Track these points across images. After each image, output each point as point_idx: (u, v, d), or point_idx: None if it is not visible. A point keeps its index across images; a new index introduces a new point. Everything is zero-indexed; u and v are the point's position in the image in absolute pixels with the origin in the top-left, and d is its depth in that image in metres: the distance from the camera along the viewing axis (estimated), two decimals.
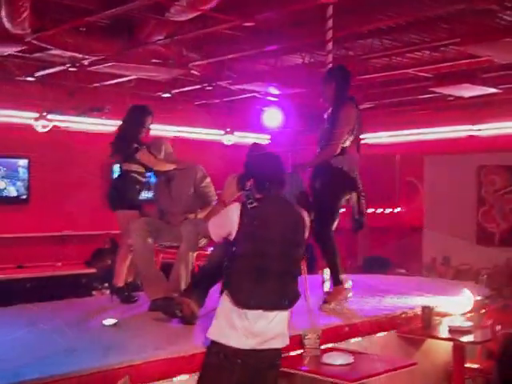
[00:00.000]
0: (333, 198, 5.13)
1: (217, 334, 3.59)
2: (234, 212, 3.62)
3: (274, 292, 3.58)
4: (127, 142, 5.37)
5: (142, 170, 5.41)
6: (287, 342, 3.71)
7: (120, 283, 5.35)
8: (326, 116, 5.33)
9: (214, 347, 3.60)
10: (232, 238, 3.63)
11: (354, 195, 5.19)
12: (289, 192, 4.76)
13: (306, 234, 3.81)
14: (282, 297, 3.62)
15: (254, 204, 3.62)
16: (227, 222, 3.64)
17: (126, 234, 5.30)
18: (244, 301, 3.54)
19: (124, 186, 5.41)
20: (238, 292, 3.56)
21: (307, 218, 3.81)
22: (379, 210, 12.75)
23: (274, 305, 3.59)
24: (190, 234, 5.00)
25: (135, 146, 5.33)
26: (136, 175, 5.40)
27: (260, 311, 3.54)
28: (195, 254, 5.09)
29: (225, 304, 3.59)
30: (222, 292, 3.64)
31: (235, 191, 3.94)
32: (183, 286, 4.90)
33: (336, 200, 5.14)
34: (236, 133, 12.92)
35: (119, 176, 5.58)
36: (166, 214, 5.41)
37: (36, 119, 10.43)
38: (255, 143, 5.57)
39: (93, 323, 4.59)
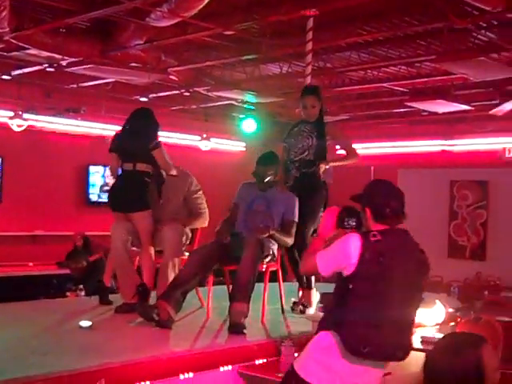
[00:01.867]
0: (319, 210, 5.18)
1: (311, 375, 3.14)
2: (353, 244, 3.09)
3: (391, 342, 3.14)
4: (149, 139, 5.20)
5: (150, 170, 5.27)
6: None
7: (108, 283, 5.33)
8: (303, 129, 5.36)
9: (296, 380, 3.17)
10: (347, 273, 3.11)
11: None
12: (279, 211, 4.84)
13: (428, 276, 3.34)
14: (399, 347, 3.19)
15: (378, 237, 3.10)
16: (344, 254, 3.10)
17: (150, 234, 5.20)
18: (357, 346, 3.08)
19: (139, 186, 5.21)
20: (351, 335, 3.09)
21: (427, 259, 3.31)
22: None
23: (388, 356, 3.18)
24: (173, 240, 5.02)
25: (156, 141, 5.21)
26: (146, 177, 5.25)
27: (381, 364, 3.18)
28: (180, 259, 5.12)
29: (327, 342, 3.14)
30: (323, 327, 3.20)
31: (333, 227, 3.35)
32: None
33: (320, 212, 5.16)
34: (212, 139, 12.96)
35: (129, 177, 5.26)
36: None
37: (11, 118, 10.34)
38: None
39: (69, 325, 4.57)
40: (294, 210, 4.99)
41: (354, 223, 3.28)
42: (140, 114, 5.39)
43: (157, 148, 5.18)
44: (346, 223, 3.29)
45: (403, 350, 3.22)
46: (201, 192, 5.43)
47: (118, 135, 5.40)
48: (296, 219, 5.01)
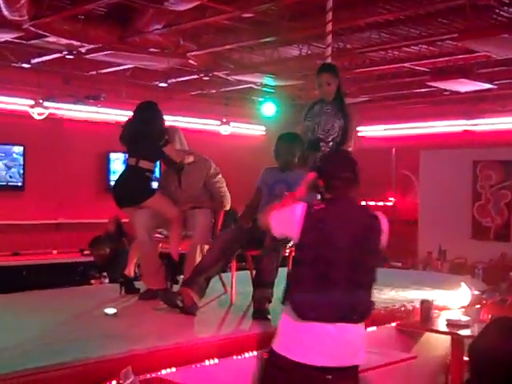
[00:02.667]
0: None
1: (281, 347, 3.31)
2: (297, 213, 3.27)
3: (341, 304, 3.25)
4: (155, 137, 5.18)
5: (152, 168, 5.25)
6: (362, 359, 3.39)
7: (131, 274, 5.34)
8: (326, 109, 5.26)
9: (276, 358, 3.34)
10: (295, 242, 3.33)
11: None
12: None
13: (384, 240, 3.42)
14: (351, 309, 3.28)
15: (321, 206, 3.31)
16: (289, 222, 3.30)
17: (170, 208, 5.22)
18: (303, 312, 3.24)
19: (140, 180, 5.17)
20: (298, 303, 3.27)
21: (385, 222, 3.42)
22: (374, 203, 12.78)
23: (341, 318, 3.25)
24: (204, 225, 5.04)
25: (166, 138, 5.19)
26: (147, 172, 5.22)
27: (337, 326, 3.25)
28: (208, 245, 5.12)
29: (288, 315, 3.31)
30: (283, 301, 3.38)
31: (309, 190, 3.56)
32: None
33: None
34: (232, 123, 12.93)
35: (131, 172, 5.24)
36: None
37: (32, 106, 10.39)
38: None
39: (94, 312, 4.59)
40: None
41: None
42: (146, 107, 5.35)
43: (167, 145, 5.18)
44: (317, 188, 3.48)
45: (358, 312, 3.31)
46: (220, 176, 5.41)
47: (126, 125, 5.39)
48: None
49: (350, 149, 5.03)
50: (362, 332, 3.39)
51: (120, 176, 5.44)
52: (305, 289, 3.28)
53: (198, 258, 5.00)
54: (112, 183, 11.42)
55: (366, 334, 3.47)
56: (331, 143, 5.06)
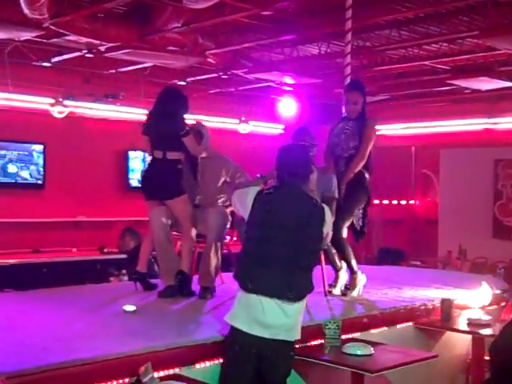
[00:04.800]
0: (357, 207, 5.36)
1: (232, 317, 3.66)
2: (250, 195, 3.72)
3: (278, 280, 3.57)
4: (179, 124, 5.11)
5: (180, 157, 5.16)
6: (297, 336, 3.70)
7: (144, 269, 5.32)
8: (346, 128, 5.37)
9: (231, 337, 3.67)
10: (246, 220, 3.72)
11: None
12: (319, 191, 4.83)
13: (326, 229, 3.76)
14: (288, 287, 3.58)
15: (270, 191, 3.73)
16: (243, 203, 3.75)
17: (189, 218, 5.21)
18: (243, 283, 3.60)
19: (173, 173, 5.09)
20: (239, 274, 3.66)
21: (328, 214, 3.79)
22: (394, 202, 12.72)
23: (277, 294, 3.56)
24: (217, 223, 5.03)
25: (186, 129, 5.12)
26: (178, 164, 5.12)
27: (274, 301, 3.55)
28: (222, 243, 5.12)
29: (238, 288, 3.68)
30: (234, 275, 3.72)
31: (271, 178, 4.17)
32: (213, 275, 4.99)
33: (357, 209, 5.38)
34: (251, 122, 12.92)
35: (161, 165, 5.13)
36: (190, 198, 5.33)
37: (52, 105, 10.45)
38: (301, 128, 5.40)
39: (113, 309, 4.60)
40: (331, 187, 5.13)
41: None
42: (170, 94, 5.28)
43: (187, 135, 5.11)
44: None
45: (294, 291, 3.60)
46: (240, 169, 5.39)
47: (149, 117, 5.32)
48: (336, 195, 5.16)
49: (360, 164, 5.28)
50: (298, 310, 3.65)
51: (148, 169, 5.36)
52: (248, 263, 3.65)
53: (213, 257, 5.00)
54: (132, 181, 11.52)
55: (302, 312, 3.73)
56: (346, 160, 5.34)
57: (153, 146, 5.17)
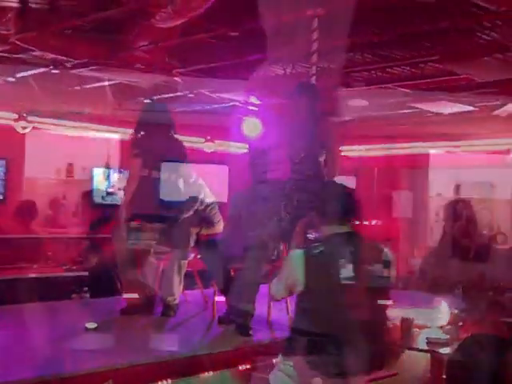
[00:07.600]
0: None
1: None
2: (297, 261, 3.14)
3: None
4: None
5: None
6: None
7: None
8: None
9: None
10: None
11: None
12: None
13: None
14: None
15: (321, 249, 3.14)
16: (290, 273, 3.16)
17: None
18: None
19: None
20: None
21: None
22: (355, 222, 12.80)
23: None
24: (181, 242, 5.04)
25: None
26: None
27: None
28: (186, 262, 5.13)
29: None
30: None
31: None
32: (176, 292, 4.99)
33: None
34: (216, 141, 12.96)
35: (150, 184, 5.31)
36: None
37: (16, 120, 10.35)
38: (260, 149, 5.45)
39: (75, 326, 4.57)
40: None
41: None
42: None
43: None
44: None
45: None
46: (214, 204, 5.43)
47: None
48: None
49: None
50: None
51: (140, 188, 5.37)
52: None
53: (176, 276, 5.01)
54: (95, 199, 11.41)
55: None
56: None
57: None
